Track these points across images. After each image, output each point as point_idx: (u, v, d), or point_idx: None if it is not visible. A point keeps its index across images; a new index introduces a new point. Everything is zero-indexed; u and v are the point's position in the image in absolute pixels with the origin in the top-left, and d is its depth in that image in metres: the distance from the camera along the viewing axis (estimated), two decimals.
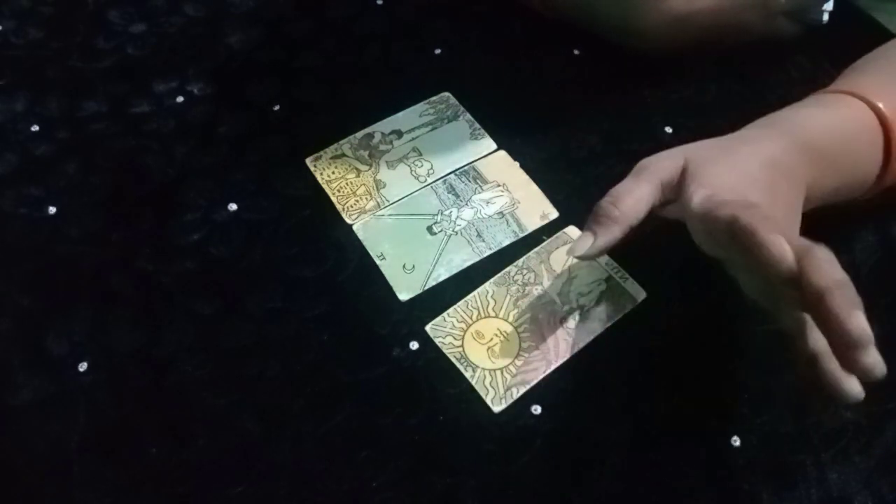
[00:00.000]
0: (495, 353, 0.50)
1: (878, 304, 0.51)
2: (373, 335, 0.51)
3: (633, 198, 0.45)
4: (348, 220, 0.56)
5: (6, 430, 0.48)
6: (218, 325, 0.52)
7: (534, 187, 0.57)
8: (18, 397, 0.49)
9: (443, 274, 0.53)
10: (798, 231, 0.46)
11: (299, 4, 0.69)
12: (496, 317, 0.51)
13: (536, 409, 0.48)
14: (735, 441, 0.47)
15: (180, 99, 0.63)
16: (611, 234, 0.45)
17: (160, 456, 0.47)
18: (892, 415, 0.48)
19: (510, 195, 0.57)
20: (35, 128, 0.61)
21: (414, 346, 0.50)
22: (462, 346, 0.50)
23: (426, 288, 0.53)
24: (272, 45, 0.66)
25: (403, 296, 0.52)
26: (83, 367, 0.50)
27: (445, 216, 0.56)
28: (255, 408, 0.49)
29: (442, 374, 0.49)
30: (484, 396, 0.48)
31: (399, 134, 0.60)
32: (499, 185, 0.57)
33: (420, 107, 0.62)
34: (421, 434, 0.48)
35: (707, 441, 0.47)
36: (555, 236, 0.55)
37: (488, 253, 0.54)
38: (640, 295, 0.52)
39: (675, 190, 0.46)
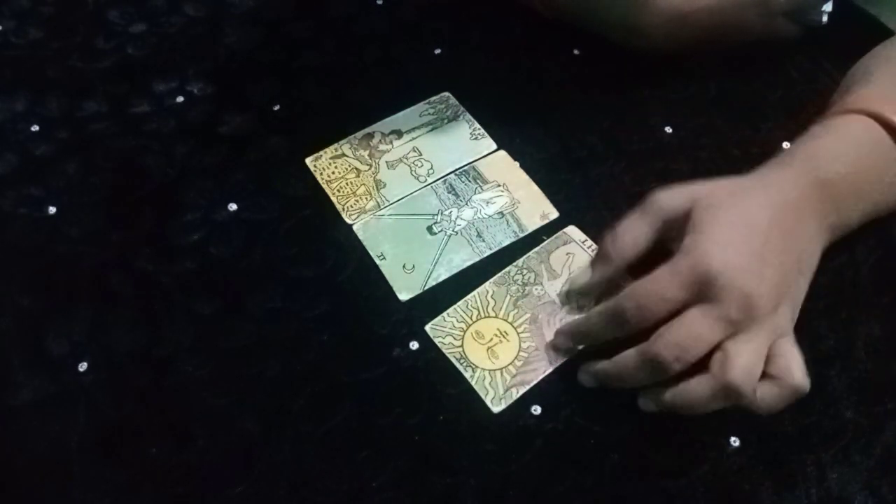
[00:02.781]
0: (495, 353, 0.50)
1: (878, 304, 0.52)
2: (373, 335, 0.51)
3: (631, 236, 0.47)
4: (348, 220, 0.56)
5: (6, 430, 0.48)
6: (218, 325, 0.52)
7: (534, 187, 0.57)
8: (18, 397, 0.49)
9: (443, 274, 0.53)
10: (809, 271, 0.47)
11: (299, 4, 0.69)
12: (496, 317, 0.51)
13: (536, 409, 0.48)
14: (735, 441, 0.47)
15: (180, 99, 0.63)
16: (605, 271, 0.48)
17: (160, 456, 0.47)
18: (892, 415, 0.48)
19: (510, 195, 0.57)
20: (35, 128, 0.61)
21: (414, 346, 0.50)
22: (462, 346, 0.50)
23: (426, 288, 0.53)
24: (272, 45, 0.66)
25: (403, 296, 0.52)
26: (83, 367, 0.50)
27: (445, 216, 0.56)
28: (255, 408, 0.49)
29: (442, 374, 0.49)
30: (484, 396, 0.48)
31: (399, 134, 0.60)
32: (499, 185, 0.57)
33: (420, 107, 0.62)
34: (421, 434, 0.48)
35: (707, 441, 0.47)
36: (555, 236, 0.55)
37: (488, 253, 0.54)
38: None
39: (678, 231, 0.45)
